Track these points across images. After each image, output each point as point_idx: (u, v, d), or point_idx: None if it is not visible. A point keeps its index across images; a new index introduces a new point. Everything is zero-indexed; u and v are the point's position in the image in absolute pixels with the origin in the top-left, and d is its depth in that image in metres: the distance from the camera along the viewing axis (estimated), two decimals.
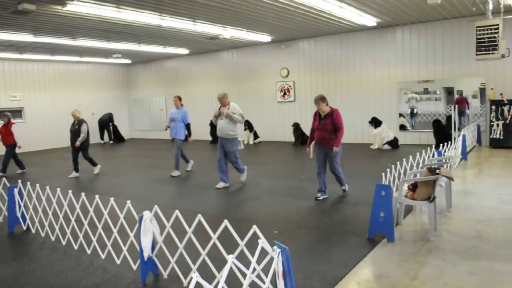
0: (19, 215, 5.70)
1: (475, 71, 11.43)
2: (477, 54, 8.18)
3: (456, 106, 10.82)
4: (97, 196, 4.50)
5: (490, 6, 8.25)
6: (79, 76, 18.32)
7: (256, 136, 15.43)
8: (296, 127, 14.03)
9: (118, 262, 4.20)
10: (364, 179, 7.96)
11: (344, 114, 13.52)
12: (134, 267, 4.03)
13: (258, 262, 2.76)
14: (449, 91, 12.18)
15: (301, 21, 10.91)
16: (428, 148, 6.90)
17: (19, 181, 5.84)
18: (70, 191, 4.96)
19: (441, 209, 5.53)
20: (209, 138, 16.29)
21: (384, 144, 12.10)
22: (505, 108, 10.80)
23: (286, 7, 9.13)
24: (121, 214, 4.23)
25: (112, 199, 4.35)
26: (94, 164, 10.18)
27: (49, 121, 16.82)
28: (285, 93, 15.17)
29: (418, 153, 6.57)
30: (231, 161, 7.90)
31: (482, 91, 11.48)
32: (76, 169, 9.97)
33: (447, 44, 11.78)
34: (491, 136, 11.07)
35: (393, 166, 5.86)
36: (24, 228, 5.71)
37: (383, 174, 5.43)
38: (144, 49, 14.61)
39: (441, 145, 7.56)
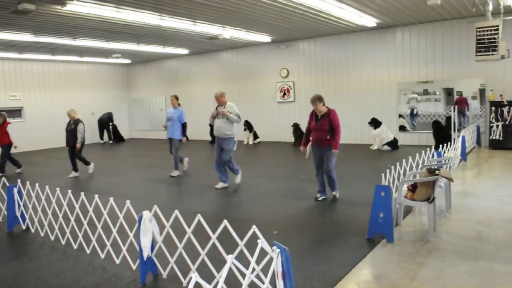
0: (18, 214, 5.70)
1: (474, 72, 11.44)
2: (476, 55, 8.18)
3: (456, 106, 10.83)
4: (96, 195, 4.50)
5: (490, 7, 8.25)
6: (78, 76, 18.32)
7: (255, 136, 15.43)
8: (296, 128, 14.03)
9: (117, 262, 4.20)
10: (363, 179, 7.96)
11: (344, 115, 13.66)
12: (134, 267, 4.03)
13: (258, 262, 2.76)
14: (448, 92, 12.19)
15: (300, 21, 10.91)
16: (428, 149, 6.90)
17: (19, 180, 5.84)
18: (69, 191, 4.97)
19: (440, 210, 5.53)
20: (209, 138, 16.29)
21: (384, 144, 12.10)
22: (505, 109, 10.80)
23: (285, 7, 9.12)
24: (120, 214, 4.23)
25: (111, 199, 4.35)
26: (86, 163, 10.11)
27: (49, 121, 16.81)
28: (284, 94, 15.17)
29: (417, 154, 6.57)
30: (224, 160, 7.72)
31: (482, 92, 11.48)
32: (75, 168, 9.96)
33: (447, 45, 11.79)
34: (490, 137, 11.07)
35: (392, 166, 5.86)
36: (24, 227, 5.71)
37: (382, 174, 5.43)
38: (143, 49, 14.61)
39: (441, 146, 7.57)
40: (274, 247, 2.71)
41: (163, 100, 18.60)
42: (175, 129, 9.29)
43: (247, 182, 8.35)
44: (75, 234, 4.84)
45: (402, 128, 12.96)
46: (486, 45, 8.00)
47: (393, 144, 12.05)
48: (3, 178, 6.78)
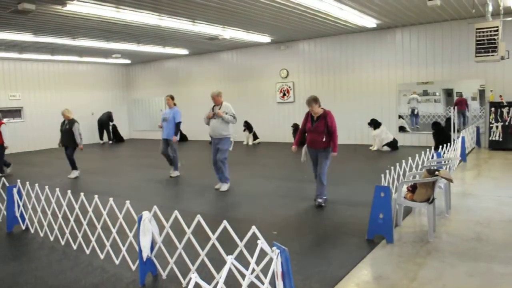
0: (18, 214, 5.69)
1: (474, 73, 11.45)
2: (476, 56, 8.18)
3: (456, 107, 10.83)
4: (96, 196, 4.50)
5: (490, 8, 8.26)
6: (78, 76, 18.32)
7: (255, 137, 15.43)
8: (296, 128, 14.03)
9: (117, 262, 4.20)
10: (363, 180, 7.96)
11: (344, 115, 13.70)
12: (133, 268, 4.03)
13: (257, 263, 2.76)
14: (448, 93, 12.20)
15: (299, 21, 10.91)
16: (428, 149, 6.90)
17: (18, 181, 5.84)
18: (69, 191, 4.96)
19: (440, 211, 5.53)
20: (208, 138, 16.24)
21: (384, 145, 12.10)
22: (505, 110, 10.81)
23: (284, 7, 9.10)
24: (120, 215, 4.23)
25: (111, 199, 4.34)
26: (74, 167, 9.84)
27: (49, 121, 16.79)
28: (284, 94, 15.17)
29: (417, 155, 6.58)
30: (219, 158, 7.56)
31: (482, 93, 11.49)
32: (74, 169, 9.93)
33: (446, 46, 11.79)
34: (490, 138, 11.08)
35: (392, 167, 5.86)
36: (23, 228, 5.71)
37: (382, 175, 5.42)
38: (143, 49, 14.62)
39: (440, 146, 7.57)
40: (274, 248, 2.71)
41: (163, 100, 18.55)
42: (170, 130, 9.14)
43: (246, 183, 8.36)
44: (74, 234, 4.83)
45: (401, 129, 12.97)
46: (486, 46, 8.00)
47: (393, 144, 12.06)
48: (3, 178, 6.77)
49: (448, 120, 11.34)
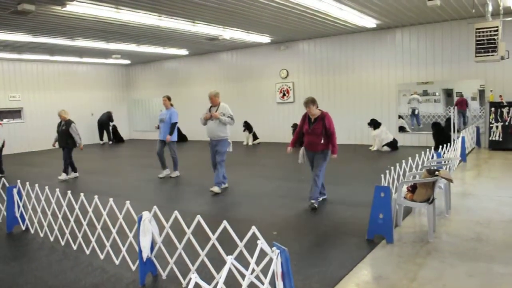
0: (18, 215, 5.69)
1: (474, 73, 11.45)
2: (476, 56, 8.18)
3: (456, 107, 10.83)
4: (96, 196, 4.50)
5: (490, 8, 8.26)
6: (78, 76, 18.32)
7: (255, 137, 15.43)
8: (296, 128, 14.03)
9: (117, 262, 4.20)
10: (363, 180, 7.96)
11: (344, 116, 13.70)
12: (133, 268, 4.03)
13: (257, 263, 2.76)
14: (448, 93, 12.20)
15: (298, 21, 10.90)
16: (428, 149, 6.90)
17: (18, 181, 5.84)
18: (69, 192, 4.96)
19: (440, 211, 5.53)
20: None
21: (383, 145, 12.10)
22: (504, 110, 10.81)
23: (283, 7, 9.08)
24: (120, 215, 4.23)
25: (111, 199, 4.34)
26: (65, 170, 9.65)
27: (48, 121, 16.74)
28: (284, 94, 15.17)
29: (417, 155, 6.58)
30: (217, 161, 7.45)
31: (482, 93, 11.49)
32: (74, 169, 9.93)
33: (446, 46, 11.80)
34: (490, 138, 11.07)
35: (392, 167, 5.86)
36: (23, 228, 5.71)
37: (382, 175, 5.42)
38: (143, 50, 14.62)
39: (440, 147, 7.57)
40: (274, 248, 2.71)
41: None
42: (167, 130, 9.06)
43: (246, 183, 8.36)
44: (74, 234, 4.84)
45: (401, 129, 12.97)
46: (485, 46, 8.00)
47: (393, 145, 12.06)
48: (3, 179, 6.77)
49: (448, 120, 11.34)
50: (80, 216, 4.66)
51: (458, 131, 10.25)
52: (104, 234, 4.44)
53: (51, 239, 5.15)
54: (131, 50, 14.44)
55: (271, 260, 2.71)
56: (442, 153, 7.05)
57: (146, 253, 3.77)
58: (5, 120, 15.95)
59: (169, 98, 9.41)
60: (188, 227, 3.60)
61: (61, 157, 9.80)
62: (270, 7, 9.10)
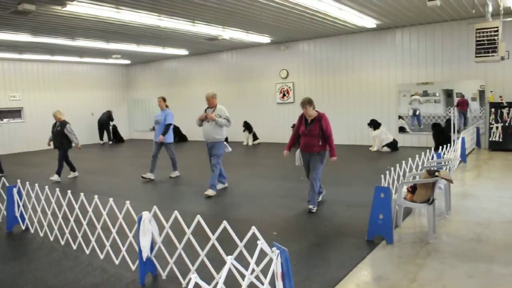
0: (18, 215, 5.70)
1: (474, 74, 11.45)
2: (476, 57, 8.18)
3: (457, 108, 10.83)
4: (96, 196, 4.50)
5: (490, 9, 8.26)
6: (78, 76, 18.32)
7: (255, 137, 15.44)
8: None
9: (117, 262, 4.20)
10: (363, 181, 7.96)
11: (343, 116, 13.70)
12: (133, 268, 4.03)
13: (257, 263, 2.76)
14: (448, 94, 12.20)
15: (297, 21, 10.89)
16: (428, 150, 6.90)
17: (18, 181, 5.84)
18: (69, 191, 4.96)
19: (440, 212, 5.53)
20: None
21: (383, 146, 12.10)
22: (505, 111, 10.80)
23: (282, 7, 9.07)
24: (120, 215, 4.23)
25: (111, 199, 4.34)
26: (59, 171, 9.52)
27: (49, 121, 16.57)
28: (284, 95, 15.17)
29: (417, 156, 6.58)
30: (213, 163, 7.37)
31: (482, 93, 11.49)
32: (73, 169, 9.90)
33: (446, 46, 11.80)
34: (490, 139, 11.07)
35: (392, 168, 5.86)
36: (23, 228, 5.71)
37: (382, 176, 5.42)
38: (143, 50, 14.62)
39: (440, 147, 7.57)
40: (274, 248, 2.71)
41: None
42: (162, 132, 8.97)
43: (246, 183, 8.36)
44: (74, 234, 4.83)
45: (401, 130, 12.97)
46: (485, 47, 8.00)
47: (393, 145, 12.06)
48: (3, 179, 6.77)
49: (448, 121, 11.34)
50: (80, 216, 4.66)
51: (458, 132, 10.25)
52: (104, 234, 4.44)
53: (51, 238, 5.15)
54: (131, 50, 14.45)
55: (271, 260, 2.71)
56: (442, 154, 7.05)
57: (146, 253, 3.77)
58: (5, 120, 15.97)
59: (164, 99, 9.32)
60: (188, 227, 3.60)
61: None
62: (269, 7, 9.10)
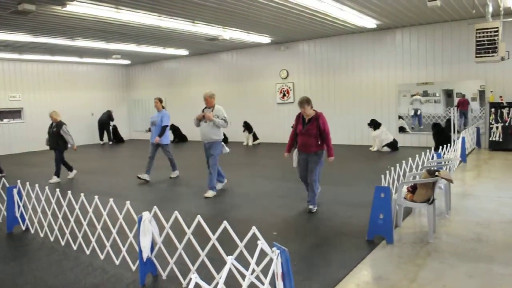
0: (18, 215, 5.70)
1: (474, 74, 11.45)
2: (476, 57, 8.18)
3: (458, 108, 10.83)
4: (96, 196, 4.50)
5: (490, 9, 8.26)
6: (78, 76, 18.32)
7: (255, 137, 15.44)
8: None
9: (117, 262, 4.20)
10: (363, 181, 7.96)
11: (344, 116, 13.71)
12: (133, 268, 4.03)
13: (257, 263, 2.76)
14: (448, 94, 12.20)
15: (297, 21, 10.89)
16: (428, 150, 6.90)
17: (19, 181, 5.84)
18: (69, 192, 4.96)
19: (440, 212, 5.53)
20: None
21: (384, 146, 12.10)
22: (505, 111, 10.81)
23: (282, 7, 9.08)
24: (120, 215, 4.23)
25: (111, 199, 4.34)
26: (57, 172, 9.52)
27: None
28: (284, 95, 15.18)
29: (417, 155, 6.58)
30: (210, 164, 7.32)
31: (482, 93, 11.49)
32: (70, 169, 9.86)
33: (446, 47, 11.80)
34: (490, 139, 11.07)
35: (392, 168, 5.86)
36: (23, 228, 5.71)
37: (382, 176, 5.42)
38: (143, 50, 14.62)
39: (441, 147, 7.57)
40: (274, 248, 2.71)
41: (163, 101, 18.54)
42: (159, 133, 8.92)
43: (246, 183, 8.36)
44: (74, 234, 4.84)
45: (401, 130, 12.97)
46: (486, 47, 8.00)
47: (393, 145, 12.06)
48: (3, 179, 6.77)
49: (449, 121, 11.34)
50: (80, 216, 4.66)
51: (458, 132, 10.25)
52: (104, 234, 4.44)
53: (51, 239, 5.15)
54: (131, 50, 14.44)
55: (271, 260, 2.71)
56: (442, 154, 7.05)
57: (146, 253, 3.77)
58: (5, 120, 15.98)
59: (160, 100, 9.26)
60: (188, 227, 3.60)
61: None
62: (269, 7, 9.10)
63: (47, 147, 9.87)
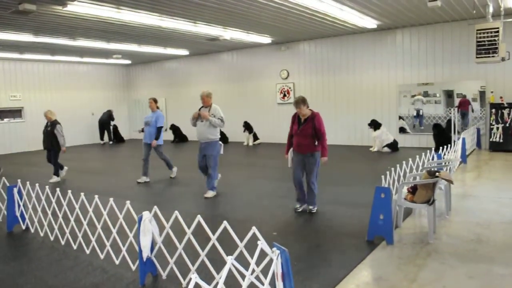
0: (18, 214, 5.70)
1: (475, 74, 11.45)
2: (477, 57, 8.19)
3: (458, 108, 10.82)
4: (96, 196, 4.50)
5: (491, 9, 8.27)
6: (79, 76, 18.33)
7: (255, 137, 15.44)
8: None
9: (117, 262, 4.20)
10: (363, 181, 7.96)
11: (344, 116, 13.70)
12: (133, 268, 4.03)
13: (257, 263, 2.75)
14: (449, 94, 12.20)
15: (296, 21, 10.89)
16: (428, 151, 6.90)
17: (19, 180, 5.84)
18: (69, 191, 4.96)
19: (440, 212, 5.53)
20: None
21: (384, 146, 12.10)
22: (505, 112, 10.80)
23: (281, 7, 9.09)
24: (120, 215, 4.23)
25: (111, 199, 4.34)
26: (56, 171, 9.51)
27: None
28: (285, 95, 15.18)
29: (417, 156, 6.58)
30: (210, 165, 7.20)
31: (482, 94, 11.49)
32: (60, 167, 9.73)
33: (447, 47, 11.80)
34: (490, 140, 11.07)
35: (392, 168, 5.86)
36: (23, 227, 5.71)
37: (382, 176, 5.42)
38: (144, 50, 14.63)
39: (441, 148, 7.56)
40: (274, 249, 2.71)
41: (163, 101, 18.60)
42: (152, 135, 8.85)
43: (246, 183, 8.36)
44: (74, 234, 4.83)
45: (402, 130, 12.96)
46: (486, 47, 8.00)
47: (393, 146, 12.05)
48: (4, 178, 6.77)
49: (449, 121, 11.33)
50: (80, 216, 4.66)
51: (459, 133, 10.25)
52: (104, 234, 4.44)
53: (51, 238, 5.15)
54: (132, 50, 14.45)
55: (271, 260, 2.71)
56: (442, 155, 7.05)
57: (146, 253, 3.77)
58: (5, 120, 15.98)
59: (155, 101, 9.14)
60: (188, 227, 3.60)
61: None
62: (269, 7, 9.10)
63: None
